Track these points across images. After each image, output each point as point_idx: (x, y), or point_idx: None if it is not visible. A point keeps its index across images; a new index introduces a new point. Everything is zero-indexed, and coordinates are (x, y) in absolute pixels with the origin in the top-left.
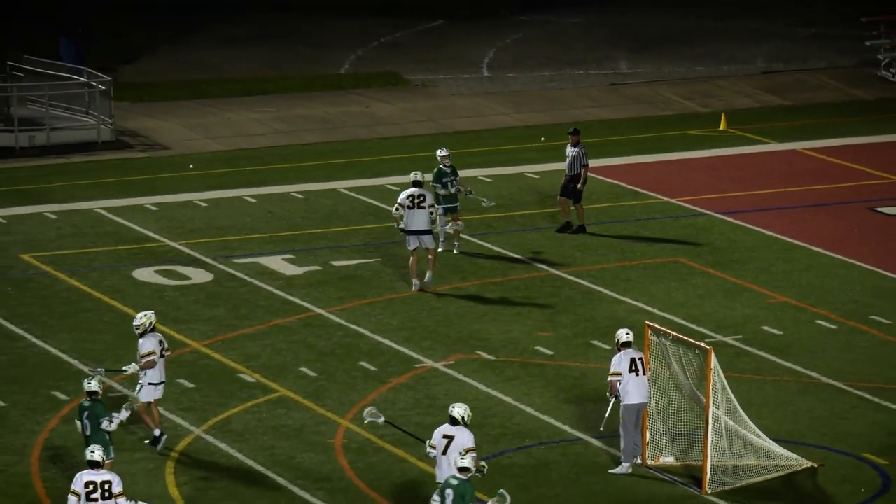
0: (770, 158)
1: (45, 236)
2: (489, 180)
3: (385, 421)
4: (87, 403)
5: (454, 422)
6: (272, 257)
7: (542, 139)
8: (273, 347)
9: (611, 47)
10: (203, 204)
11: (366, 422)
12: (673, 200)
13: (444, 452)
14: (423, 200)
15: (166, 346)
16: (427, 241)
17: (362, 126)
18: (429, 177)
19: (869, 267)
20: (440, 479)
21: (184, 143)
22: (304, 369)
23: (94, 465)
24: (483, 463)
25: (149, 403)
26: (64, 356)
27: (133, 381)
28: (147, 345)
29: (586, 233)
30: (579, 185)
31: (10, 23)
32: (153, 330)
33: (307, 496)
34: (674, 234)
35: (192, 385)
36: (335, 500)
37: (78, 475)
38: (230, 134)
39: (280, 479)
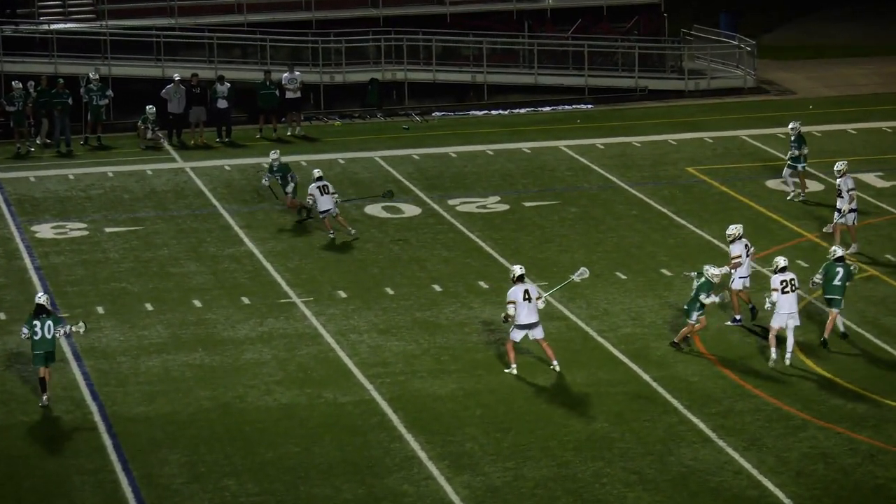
0: None
1: (703, 154)
2: None
3: None
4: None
5: None
6: (867, 174)
7: None
8: (865, 239)
9: None
10: (818, 134)
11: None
12: None
13: None
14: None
15: (751, 249)
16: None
17: None
18: None
19: None
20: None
21: (806, 90)
22: (887, 256)
23: None
24: None
25: (737, 291)
26: (714, 240)
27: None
28: (735, 250)
29: None
30: None
31: (675, 2)
32: (740, 238)
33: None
34: None
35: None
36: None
37: None
38: (840, 84)
39: None
